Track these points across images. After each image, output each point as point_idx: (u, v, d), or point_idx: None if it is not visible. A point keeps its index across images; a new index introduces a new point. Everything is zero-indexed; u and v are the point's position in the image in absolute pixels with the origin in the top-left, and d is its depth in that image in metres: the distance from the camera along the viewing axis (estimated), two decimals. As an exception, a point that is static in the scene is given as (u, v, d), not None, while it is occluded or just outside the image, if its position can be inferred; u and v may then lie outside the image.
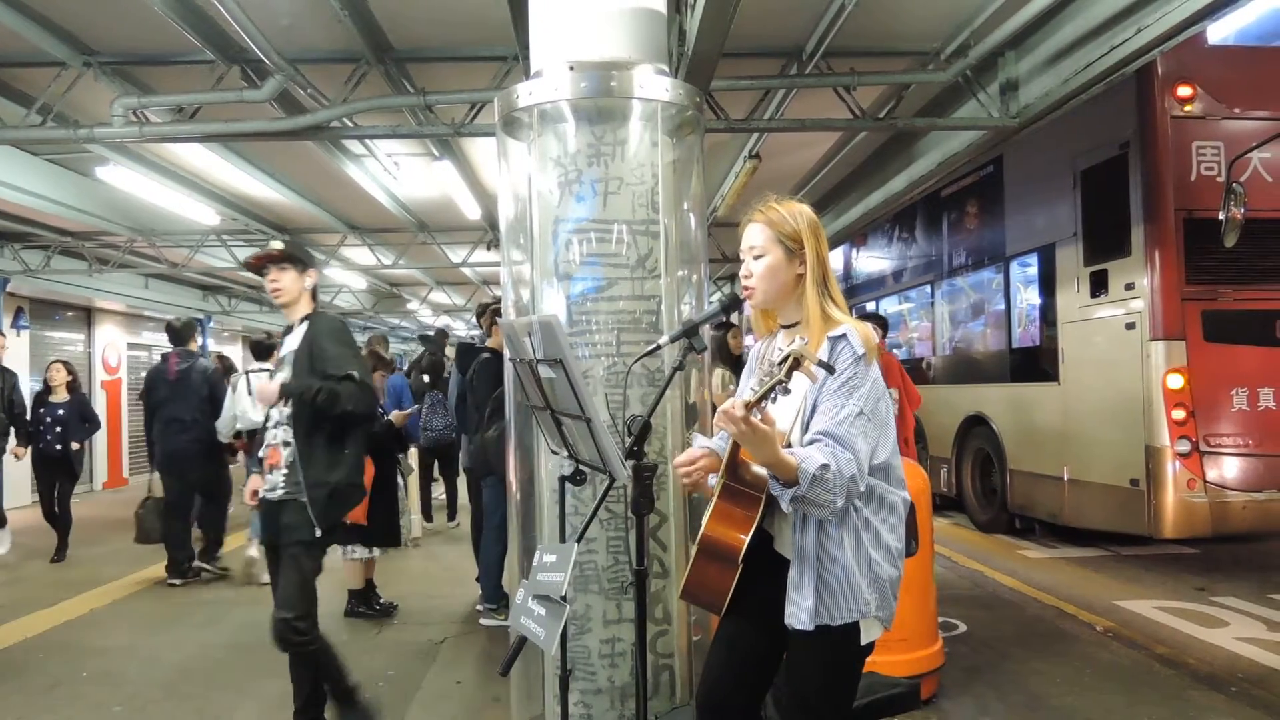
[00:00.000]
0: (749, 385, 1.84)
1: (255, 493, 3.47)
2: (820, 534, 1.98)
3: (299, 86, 6.22)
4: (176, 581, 6.60)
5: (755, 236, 2.14)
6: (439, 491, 11.30)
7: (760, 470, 2.02)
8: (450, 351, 8.68)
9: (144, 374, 7.73)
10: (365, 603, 5.56)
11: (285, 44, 5.79)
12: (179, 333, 6.96)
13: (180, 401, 6.61)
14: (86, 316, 15.38)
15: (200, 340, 8.88)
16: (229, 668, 4.62)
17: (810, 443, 1.92)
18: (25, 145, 8.17)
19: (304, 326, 3.47)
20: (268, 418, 3.47)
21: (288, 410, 3.36)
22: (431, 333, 12.21)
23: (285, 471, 3.34)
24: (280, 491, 3.34)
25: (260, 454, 3.48)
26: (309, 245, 13.59)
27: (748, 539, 2.01)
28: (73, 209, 10.21)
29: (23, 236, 12.10)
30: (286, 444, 3.35)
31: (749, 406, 1.77)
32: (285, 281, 3.46)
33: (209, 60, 6.13)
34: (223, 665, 4.66)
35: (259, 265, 3.51)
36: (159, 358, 7.31)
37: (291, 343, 3.48)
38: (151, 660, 4.75)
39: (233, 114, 6.54)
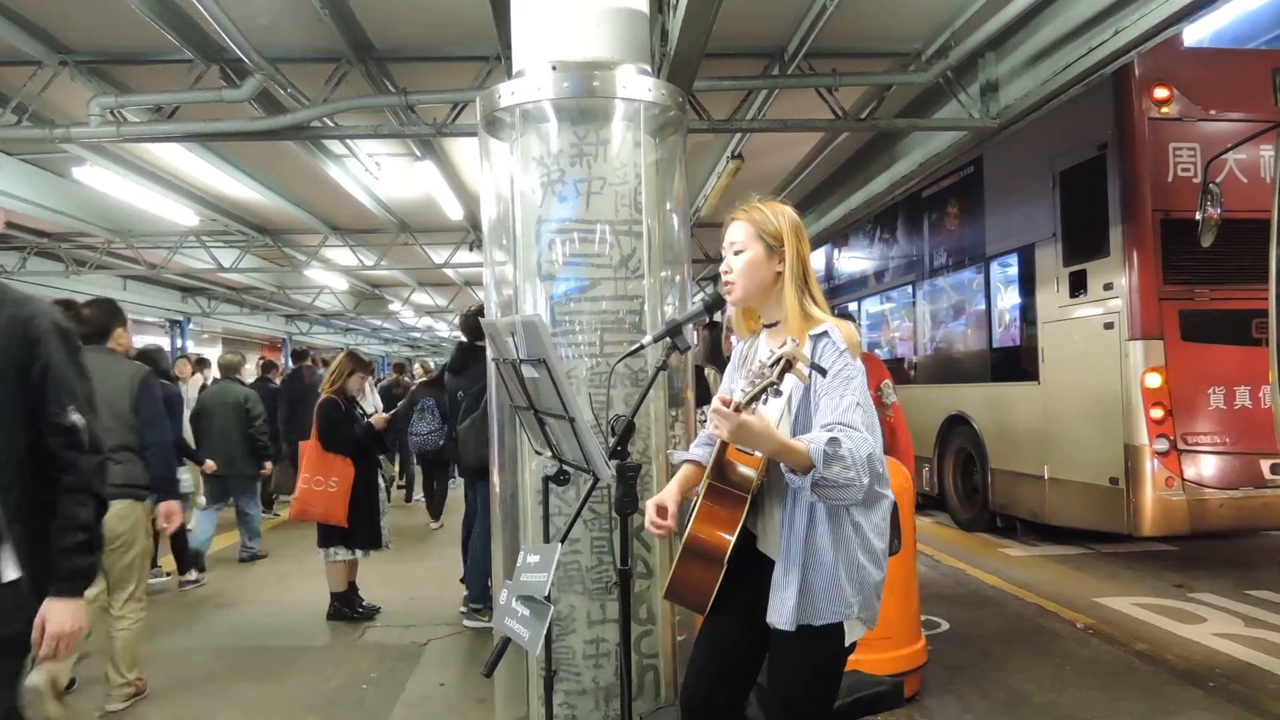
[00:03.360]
0: (739, 386, 1.84)
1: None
2: (809, 533, 1.98)
3: (279, 86, 6.18)
4: None
5: (737, 232, 2.17)
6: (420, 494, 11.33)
7: (746, 470, 2.03)
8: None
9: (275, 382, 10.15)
10: (348, 605, 5.52)
11: (265, 43, 5.75)
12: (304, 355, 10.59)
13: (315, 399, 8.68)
14: (63, 318, 15.21)
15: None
16: (208, 672, 4.58)
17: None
18: (0, 145, 8.07)
19: None
20: None
21: None
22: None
23: None
24: None
25: None
26: (290, 246, 13.52)
27: (733, 539, 2.01)
28: (49, 210, 10.10)
29: (-2, 237, 11.95)
30: None
31: (739, 408, 1.77)
32: None
33: (187, 59, 6.07)
34: (202, 670, 4.62)
35: None
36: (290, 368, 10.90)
37: None
38: (130, 665, 4.69)
39: (212, 113, 6.49)
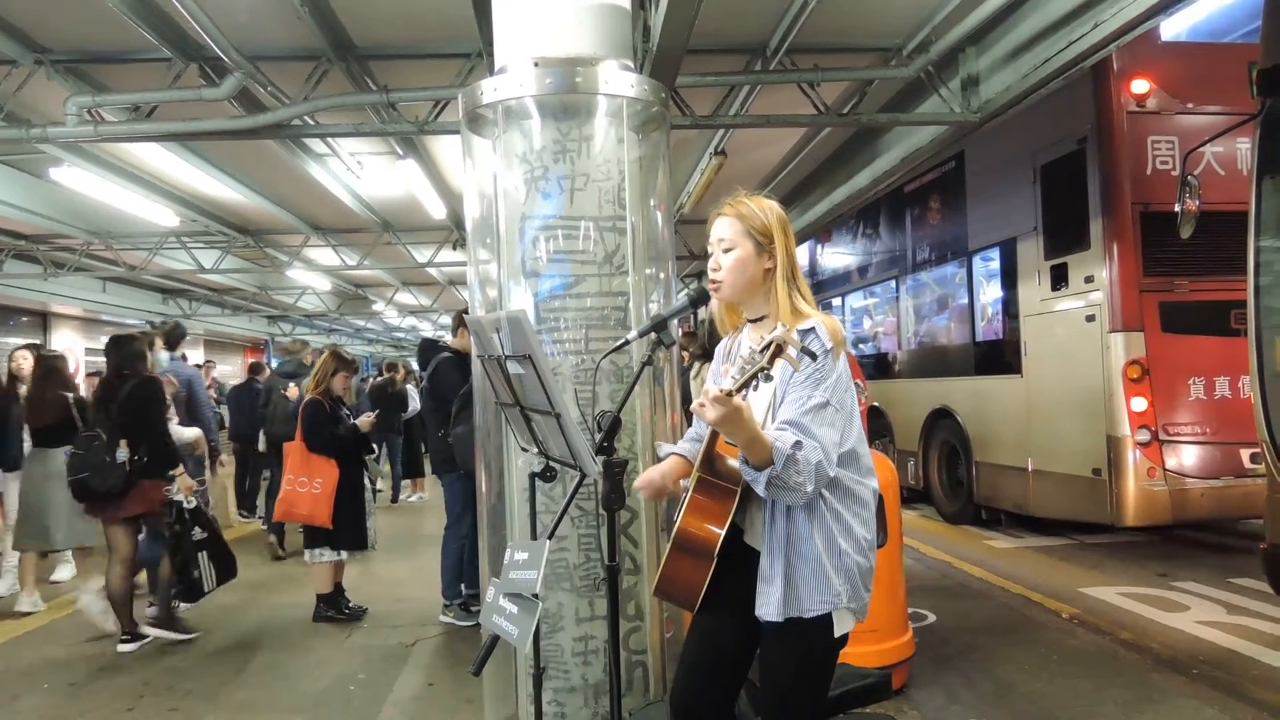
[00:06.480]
0: (730, 373, 1.82)
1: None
2: (789, 525, 1.98)
3: (259, 84, 6.13)
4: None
5: (725, 229, 2.14)
6: (411, 494, 11.31)
7: (736, 463, 2.02)
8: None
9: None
10: (334, 606, 5.49)
11: (244, 41, 5.70)
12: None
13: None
14: (42, 321, 15.07)
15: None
16: (194, 676, 4.54)
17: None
18: (-25, 146, 7.97)
19: None
20: None
21: None
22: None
23: None
24: None
25: None
26: (272, 247, 13.43)
27: (723, 532, 2.00)
28: (26, 211, 10.00)
29: (-26, 240, 11.82)
30: None
31: (730, 394, 1.76)
32: None
33: (166, 58, 6.02)
34: (188, 673, 4.59)
35: None
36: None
37: None
38: (114, 670, 4.65)
39: (191, 113, 6.43)
